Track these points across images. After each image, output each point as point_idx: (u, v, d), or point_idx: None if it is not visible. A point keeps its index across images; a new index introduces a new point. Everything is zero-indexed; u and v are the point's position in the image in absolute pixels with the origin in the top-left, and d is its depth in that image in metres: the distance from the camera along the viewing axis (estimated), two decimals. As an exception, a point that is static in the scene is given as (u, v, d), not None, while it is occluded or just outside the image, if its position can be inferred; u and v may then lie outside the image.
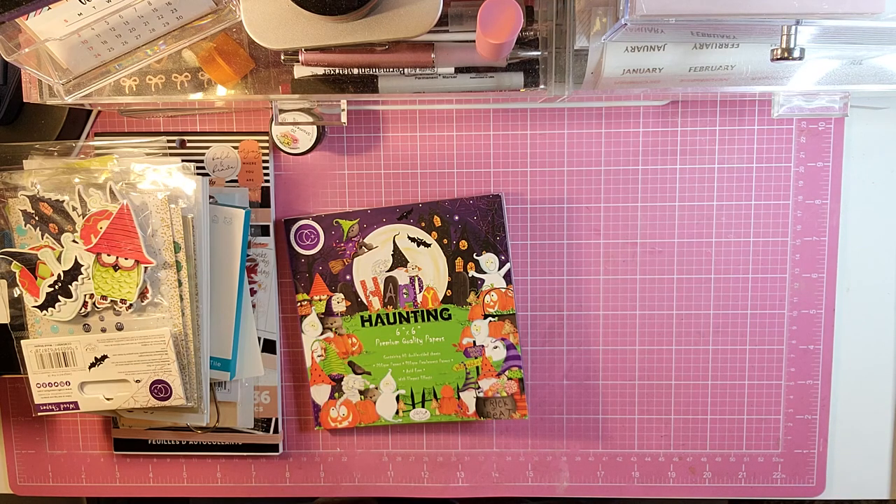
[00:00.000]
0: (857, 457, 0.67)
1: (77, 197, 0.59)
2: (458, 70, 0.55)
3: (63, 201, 0.59)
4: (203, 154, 0.64)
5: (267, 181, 0.64)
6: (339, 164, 0.65)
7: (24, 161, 0.61)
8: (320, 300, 0.65)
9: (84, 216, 0.58)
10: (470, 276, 0.64)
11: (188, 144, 0.64)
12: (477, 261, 0.64)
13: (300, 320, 0.65)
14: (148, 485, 0.69)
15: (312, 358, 0.66)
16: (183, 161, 0.60)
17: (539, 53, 0.54)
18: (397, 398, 0.66)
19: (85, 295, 0.59)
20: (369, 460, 0.68)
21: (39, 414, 0.62)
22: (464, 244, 0.63)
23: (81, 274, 0.59)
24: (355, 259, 0.64)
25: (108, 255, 0.58)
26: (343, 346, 0.65)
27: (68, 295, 0.59)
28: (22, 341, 0.61)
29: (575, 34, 0.52)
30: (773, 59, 0.46)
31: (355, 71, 0.55)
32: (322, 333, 0.65)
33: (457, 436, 0.68)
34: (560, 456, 0.68)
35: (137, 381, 0.60)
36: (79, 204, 0.59)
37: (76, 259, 0.59)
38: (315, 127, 0.62)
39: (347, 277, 0.65)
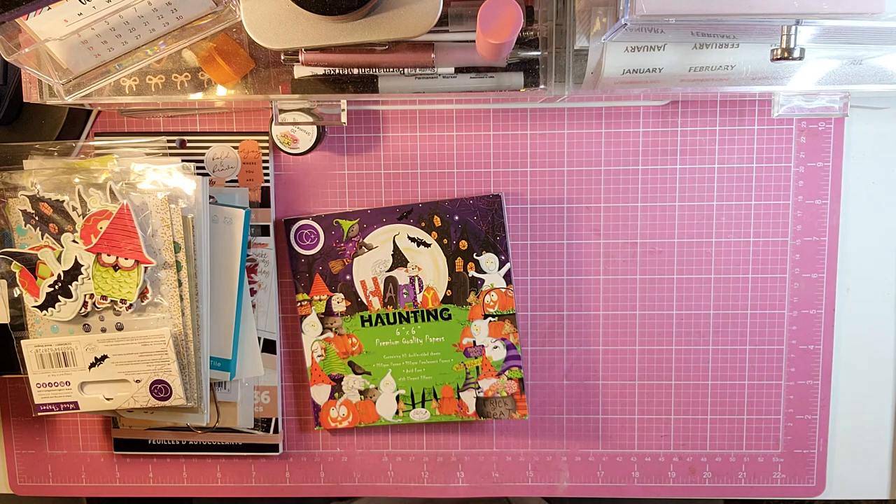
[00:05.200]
0: (857, 457, 0.67)
1: (77, 197, 0.59)
2: (458, 70, 0.55)
3: (63, 201, 0.59)
4: (203, 154, 0.64)
5: (267, 181, 0.64)
6: (339, 164, 0.65)
7: (24, 161, 0.61)
8: (320, 300, 0.65)
9: (84, 216, 0.58)
10: (470, 276, 0.64)
11: (188, 144, 0.64)
12: (477, 261, 0.64)
13: (300, 320, 0.65)
14: (148, 485, 0.69)
15: (312, 358, 0.66)
16: (183, 161, 0.60)
17: (539, 53, 0.54)
18: (397, 398, 0.66)
19: (85, 295, 0.59)
20: (369, 460, 0.68)
21: (39, 414, 0.62)
22: (464, 244, 0.63)
23: (81, 274, 0.59)
24: (355, 259, 0.64)
25: (108, 255, 0.58)
26: (343, 346, 0.65)
27: (68, 295, 0.59)
28: (22, 341, 0.61)
29: (575, 34, 0.52)
30: (773, 59, 0.46)
31: (355, 71, 0.55)
32: (322, 333, 0.65)
33: (457, 436, 0.68)
34: (560, 456, 0.68)
35: (137, 381, 0.60)
36: (79, 204, 0.59)
37: (76, 259, 0.59)
38: (315, 127, 0.62)
39: (347, 277, 0.65)
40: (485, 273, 0.64)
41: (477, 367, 0.65)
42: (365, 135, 0.64)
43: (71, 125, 0.64)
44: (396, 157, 0.64)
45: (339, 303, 0.65)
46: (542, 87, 0.54)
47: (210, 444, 0.67)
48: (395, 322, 0.65)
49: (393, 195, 0.65)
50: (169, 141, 0.64)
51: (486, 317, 0.64)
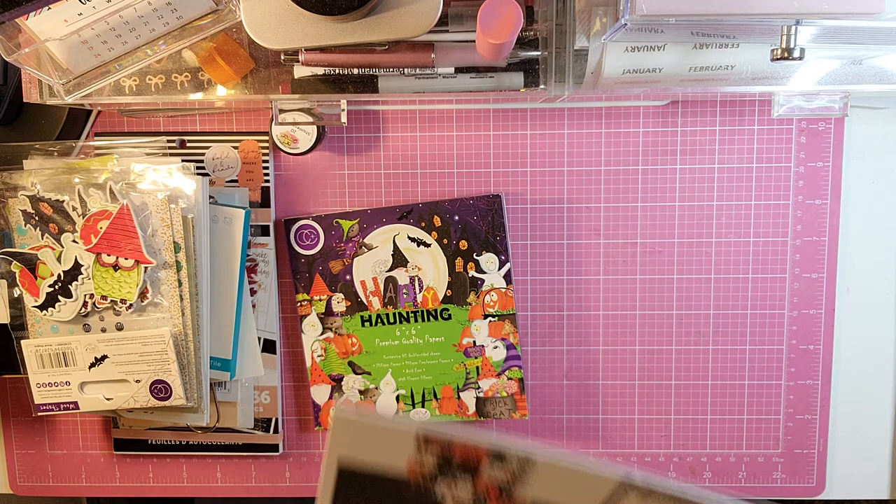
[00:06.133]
0: (857, 457, 0.67)
1: (77, 197, 0.59)
2: (458, 70, 0.55)
3: (63, 201, 0.59)
4: (203, 154, 0.64)
5: (267, 181, 0.64)
6: (339, 164, 0.65)
7: (24, 161, 0.61)
8: (320, 300, 0.65)
9: (84, 216, 0.58)
10: (470, 276, 0.64)
11: (188, 144, 0.64)
12: (477, 261, 0.64)
13: (300, 320, 0.65)
14: (148, 485, 0.69)
15: (312, 358, 0.66)
16: (183, 161, 0.60)
17: (539, 53, 0.54)
18: (397, 398, 0.66)
19: (85, 295, 0.59)
20: (369, 460, 0.68)
21: (39, 414, 0.62)
22: (464, 244, 0.63)
23: (81, 274, 0.59)
24: (355, 259, 0.64)
25: (108, 255, 0.58)
26: (343, 346, 0.65)
27: (68, 295, 0.59)
28: (22, 341, 0.61)
29: (575, 34, 0.52)
30: (773, 59, 0.46)
31: (355, 71, 0.55)
32: (322, 333, 0.65)
33: (457, 436, 0.68)
34: (560, 456, 0.68)
35: (137, 381, 0.60)
36: (79, 204, 0.59)
37: (76, 259, 0.59)
38: (315, 127, 0.62)
39: (347, 277, 0.65)
40: (485, 273, 0.64)
41: (477, 367, 0.65)
42: (365, 135, 0.64)
43: (71, 125, 0.64)
44: (396, 157, 0.64)
45: (339, 303, 0.65)
46: (542, 87, 0.54)
47: (210, 444, 0.67)
48: (395, 322, 0.65)
49: (393, 195, 0.65)
50: (169, 141, 0.64)
51: (486, 317, 0.64)
